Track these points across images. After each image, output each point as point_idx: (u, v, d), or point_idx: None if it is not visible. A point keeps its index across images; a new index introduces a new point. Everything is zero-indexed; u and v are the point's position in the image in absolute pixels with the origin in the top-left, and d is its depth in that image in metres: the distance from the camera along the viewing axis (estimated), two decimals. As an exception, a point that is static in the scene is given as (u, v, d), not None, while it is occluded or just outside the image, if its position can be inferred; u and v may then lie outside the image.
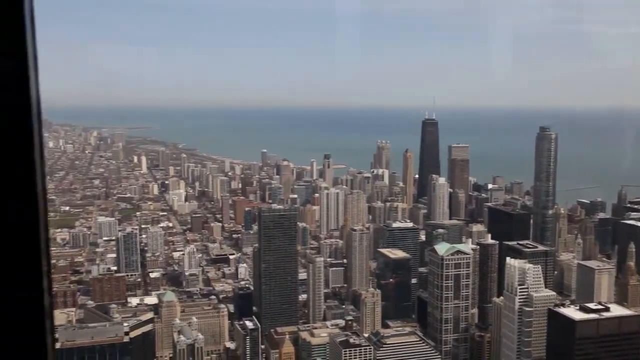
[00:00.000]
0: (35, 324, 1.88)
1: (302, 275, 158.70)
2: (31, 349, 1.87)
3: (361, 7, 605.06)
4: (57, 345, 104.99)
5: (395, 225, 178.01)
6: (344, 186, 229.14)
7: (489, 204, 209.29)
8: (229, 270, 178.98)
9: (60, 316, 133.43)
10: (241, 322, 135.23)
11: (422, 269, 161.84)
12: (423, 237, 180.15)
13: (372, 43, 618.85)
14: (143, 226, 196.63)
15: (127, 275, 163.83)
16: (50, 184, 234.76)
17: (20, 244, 1.81)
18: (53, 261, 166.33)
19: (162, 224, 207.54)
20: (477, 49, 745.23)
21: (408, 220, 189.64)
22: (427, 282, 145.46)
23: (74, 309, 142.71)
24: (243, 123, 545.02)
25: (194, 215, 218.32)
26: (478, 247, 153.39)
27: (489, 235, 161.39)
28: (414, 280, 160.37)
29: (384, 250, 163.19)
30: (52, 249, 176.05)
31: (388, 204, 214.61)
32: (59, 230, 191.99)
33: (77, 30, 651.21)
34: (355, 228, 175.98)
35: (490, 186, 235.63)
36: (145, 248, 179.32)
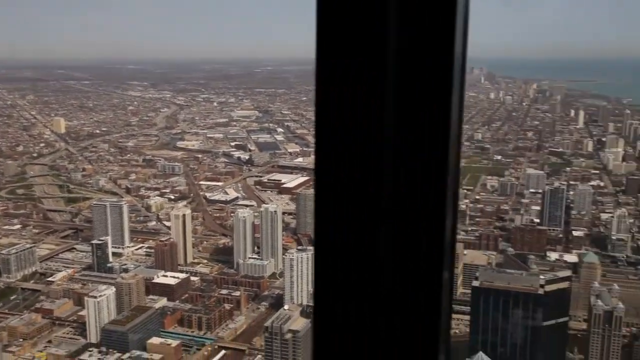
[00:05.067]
0: (434, 260, 1.92)
1: None
2: (428, 282, 1.92)
3: None
4: (476, 284, 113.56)
5: None
6: None
7: None
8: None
9: (481, 257, 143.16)
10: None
11: None
12: None
13: None
14: (572, 182, 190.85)
15: (549, 229, 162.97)
16: (486, 133, 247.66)
17: (429, 185, 1.86)
18: (480, 206, 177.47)
19: (592, 182, 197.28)
20: None
21: None
22: None
23: (494, 253, 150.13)
24: None
25: (630, 177, 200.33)
26: None
27: None
28: None
29: None
30: (482, 194, 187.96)
31: None
32: (489, 177, 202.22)
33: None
34: None
35: None
36: (571, 205, 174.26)
